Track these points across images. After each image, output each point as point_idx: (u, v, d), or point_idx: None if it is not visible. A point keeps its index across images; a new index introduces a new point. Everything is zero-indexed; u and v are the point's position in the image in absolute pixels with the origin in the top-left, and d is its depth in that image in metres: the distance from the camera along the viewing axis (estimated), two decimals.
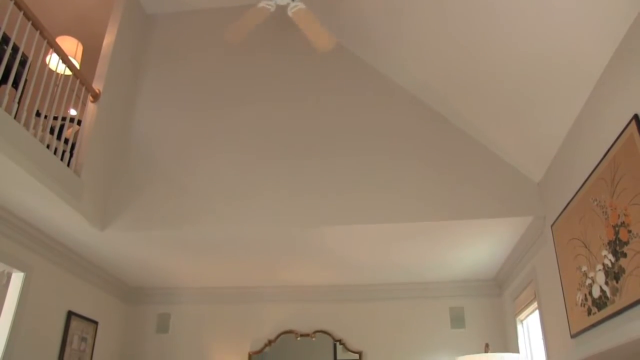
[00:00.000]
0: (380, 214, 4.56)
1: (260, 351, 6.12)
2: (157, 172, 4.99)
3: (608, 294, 3.12)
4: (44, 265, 4.95)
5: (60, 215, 4.47)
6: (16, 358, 4.51)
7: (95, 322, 5.78)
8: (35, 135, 3.98)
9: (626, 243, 2.86)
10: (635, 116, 2.75)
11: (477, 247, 5.09)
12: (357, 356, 5.98)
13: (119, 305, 6.37)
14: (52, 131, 4.46)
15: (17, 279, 4.65)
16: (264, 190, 4.77)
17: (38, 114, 4.31)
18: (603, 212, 3.15)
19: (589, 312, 3.41)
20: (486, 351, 1.26)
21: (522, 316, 5.33)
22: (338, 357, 6.05)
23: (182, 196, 4.84)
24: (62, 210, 4.36)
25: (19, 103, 3.91)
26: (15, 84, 4.14)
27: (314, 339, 6.12)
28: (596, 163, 3.24)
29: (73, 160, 4.54)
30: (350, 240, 4.93)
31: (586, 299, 3.45)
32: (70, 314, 5.31)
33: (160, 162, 5.04)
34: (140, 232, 4.79)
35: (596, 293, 3.29)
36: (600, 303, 3.23)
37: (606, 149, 3.10)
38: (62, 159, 4.31)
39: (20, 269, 4.63)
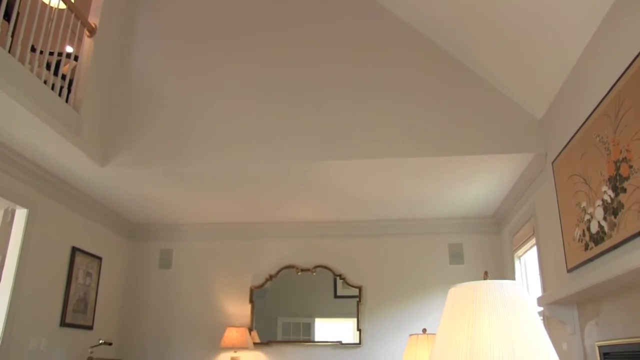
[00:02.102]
0: (381, 149, 4.56)
1: (262, 286, 6.27)
2: (158, 107, 4.95)
3: (606, 229, 3.15)
4: (47, 201, 4.99)
5: (61, 152, 4.46)
6: (24, 293, 4.62)
7: (99, 258, 5.89)
8: (31, 70, 3.92)
9: (627, 178, 2.86)
10: None
11: (477, 183, 5.11)
12: (357, 291, 6.13)
13: (122, 242, 6.47)
14: (48, 67, 4.38)
15: (20, 216, 4.71)
16: (266, 126, 4.75)
17: (33, 49, 4.22)
18: (605, 148, 3.14)
19: (586, 247, 3.46)
20: (485, 279, 1.29)
21: (519, 252, 5.42)
22: (338, 292, 6.20)
23: (183, 132, 4.82)
24: (62, 146, 4.35)
25: (12, 37, 3.82)
26: (7, 16, 4.03)
27: (314, 274, 6.25)
28: (600, 98, 3.20)
29: (71, 96, 4.48)
30: (351, 176, 4.95)
31: (584, 235, 3.50)
32: (74, 250, 5.40)
33: (161, 97, 4.98)
34: (141, 168, 4.80)
35: (594, 228, 3.32)
36: (598, 238, 3.27)
37: (611, 84, 3.05)
38: (60, 95, 4.26)
39: (23, 206, 4.68)
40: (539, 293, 4.60)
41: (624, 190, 2.90)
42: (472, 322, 1.42)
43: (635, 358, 2.92)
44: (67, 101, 4.38)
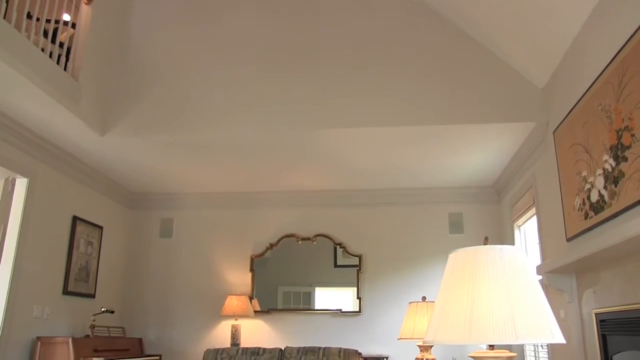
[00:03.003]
0: (382, 117, 4.54)
1: (262, 254, 6.31)
2: (158, 76, 4.90)
3: (606, 198, 3.16)
4: (47, 171, 4.99)
5: (60, 120, 4.44)
6: (27, 261, 4.66)
7: (100, 227, 5.91)
8: (28, 37, 3.87)
9: (628, 147, 2.85)
10: None
11: (478, 152, 5.10)
12: (357, 260, 6.17)
13: (122, 211, 6.49)
14: (45, 34, 4.32)
15: (21, 185, 4.71)
16: (266, 94, 4.72)
17: (29, 16, 4.16)
18: (607, 116, 3.12)
19: (586, 216, 3.47)
20: (485, 244, 1.30)
21: (519, 222, 5.44)
22: (338, 261, 6.25)
23: (184, 100, 4.79)
24: (61, 114, 4.32)
25: (7, 2, 3.75)
26: None
27: (314, 242, 6.29)
28: (603, 67, 3.17)
29: (69, 64, 4.44)
30: (352, 144, 4.94)
31: (584, 204, 3.50)
32: (75, 219, 5.42)
33: (161, 65, 4.94)
34: (141, 136, 4.78)
35: (594, 197, 3.33)
36: (598, 207, 3.28)
37: (615, 52, 3.02)
38: (57, 63, 4.22)
39: (24, 175, 4.68)
40: (538, 262, 4.63)
41: (625, 159, 2.89)
42: (472, 286, 1.43)
43: (630, 324, 2.95)
44: (65, 69, 4.34)
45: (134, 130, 4.77)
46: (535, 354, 4.94)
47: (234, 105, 4.72)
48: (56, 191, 5.15)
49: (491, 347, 1.57)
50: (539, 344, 4.83)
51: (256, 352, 4.74)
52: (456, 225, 6.15)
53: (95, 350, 4.95)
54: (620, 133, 2.95)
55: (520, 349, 5.31)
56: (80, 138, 4.82)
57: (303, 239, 6.31)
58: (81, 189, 5.59)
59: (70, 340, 4.70)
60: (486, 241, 1.61)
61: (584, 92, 3.48)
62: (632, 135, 2.80)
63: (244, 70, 4.81)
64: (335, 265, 6.24)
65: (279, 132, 4.69)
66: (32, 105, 4.15)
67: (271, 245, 6.32)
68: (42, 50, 4.03)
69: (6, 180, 4.65)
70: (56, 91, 4.08)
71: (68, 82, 4.26)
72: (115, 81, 4.93)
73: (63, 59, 4.32)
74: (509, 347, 1.78)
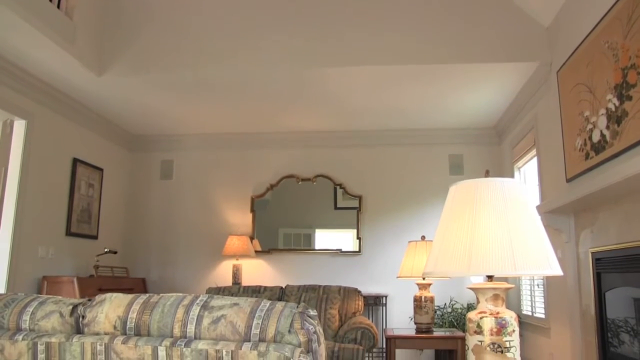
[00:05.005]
0: (383, 55, 4.47)
1: (263, 195, 6.35)
2: (154, 13, 4.79)
3: (608, 137, 3.15)
4: (45, 112, 4.95)
5: (55, 61, 4.37)
6: (29, 202, 4.69)
7: (101, 169, 5.92)
8: None
9: (633, 86, 2.82)
10: None
11: (480, 92, 5.05)
12: (356, 201, 6.21)
13: (123, 153, 6.49)
14: None
15: (19, 127, 4.69)
16: (265, 31, 4.62)
17: None
18: (613, 54, 3.07)
19: (587, 157, 3.47)
20: (486, 176, 1.30)
21: (519, 164, 5.45)
22: (338, 203, 6.29)
23: (181, 38, 4.70)
24: (56, 54, 4.24)
25: None
26: None
27: (314, 183, 6.32)
28: (612, 2, 3.09)
29: (63, 2, 4.32)
30: (352, 83, 4.88)
31: (585, 144, 3.49)
32: (75, 161, 5.42)
33: (157, 2, 4.81)
34: (139, 75, 4.71)
35: (596, 137, 3.31)
36: (599, 147, 3.27)
37: None
38: (51, 1, 4.11)
39: (22, 117, 4.65)
40: (538, 203, 4.66)
41: (630, 98, 2.86)
42: (472, 217, 1.44)
43: (624, 261, 3.01)
44: (58, 7, 4.23)
45: (131, 70, 4.70)
46: (531, 292, 5.05)
47: (233, 43, 4.63)
48: (55, 133, 5.13)
49: (489, 279, 1.60)
50: (535, 283, 4.93)
51: (257, 290, 4.85)
52: (456, 166, 6.16)
53: (100, 289, 5.06)
54: (625, 71, 2.91)
55: (516, 290, 5.42)
56: (78, 79, 4.75)
57: (303, 179, 6.33)
58: (81, 131, 5.56)
59: (75, 280, 4.80)
60: (487, 174, 1.61)
61: (590, 29, 3.41)
62: (638, 73, 2.76)
63: (243, 6, 4.69)
64: (335, 207, 6.29)
65: (278, 70, 4.62)
66: (25, 45, 4.07)
67: (271, 186, 6.35)
68: None
69: (4, 123, 4.62)
70: (50, 30, 3.99)
71: (62, 21, 4.16)
72: (111, 19, 4.82)
73: None
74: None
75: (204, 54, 4.64)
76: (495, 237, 1.39)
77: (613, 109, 3.06)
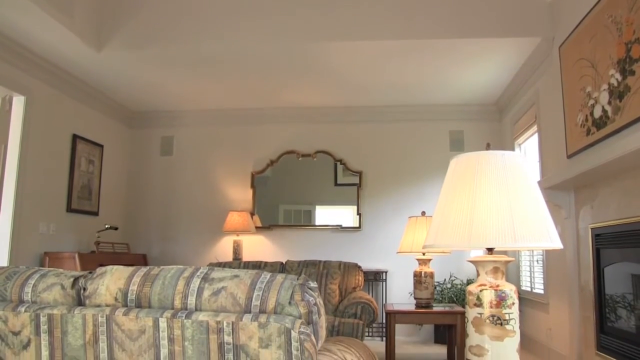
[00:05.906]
0: (384, 30, 4.42)
1: (263, 171, 6.35)
2: None
3: (609, 113, 3.13)
4: (44, 88, 4.92)
5: (54, 36, 4.32)
6: (29, 178, 4.69)
7: (101, 146, 5.91)
8: None
9: (637, 60, 2.79)
10: None
11: (481, 68, 5.01)
12: (357, 177, 6.21)
13: (123, 129, 6.47)
14: None
15: (18, 103, 4.67)
16: (265, 5, 4.56)
17: None
18: (617, 28, 3.03)
19: (588, 132, 3.46)
20: (487, 149, 1.29)
21: (520, 140, 5.43)
22: (338, 180, 6.29)
23: (181, 12, 4.64)
24: (54, 29, 4.20)
25: None
26: None
27: (315, 159, 6.31)
28: None
29: None
30: (353, 58, 4.84)
31: (587, 120, 3.47)
32: (75, 137, 5.41)
33: None
34: (138, 50, 4.67)
35: (597, 113, 3.29)
36: (601, 123, 3.25)
37: None
38: None
39: (21, 93, 4.63)
40: (538, 179, 4.66)
41: (633, 72, 2.83)
42: (473, 190, 1.44)
43: (623, 237, 3.02)
44: None
45: (130, 45, 4.65)
46: (530, 268, 5.07)
47: (233, 17, 4.58)
48: (55, 109, 5.10)
49: (490, 252, 1.61)
50: (535, 259, 4.96)
51: (258, 265, 4.87)
52: (457, 142, 6.14)
53: (101, 265, 5.07)
54: (629, 46, 2.88)
55: (516, 266, 5.45)
56: (77, 55, 4.71)
57: (303, 155, 6.32)
58: (80, 108, 5.53)
59: (76, 255, 4.82)
60: (488, 147, 1.60)
61: (594, 3, 3.36)
62: None
63: None
64: (336, 184, 6.29)
65: (276, 45, 4.58)
66: (23, 20, 4.02)
67: (272, 162, 6.34)
68: None
69: (3, 99, 4.60)
70: (48, 4, 3.94)
71: None
72: None
73: None
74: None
75: (204, 29, 4.59)
76: (496, 209, 1.39)
77: (615, 84, 3.04)
